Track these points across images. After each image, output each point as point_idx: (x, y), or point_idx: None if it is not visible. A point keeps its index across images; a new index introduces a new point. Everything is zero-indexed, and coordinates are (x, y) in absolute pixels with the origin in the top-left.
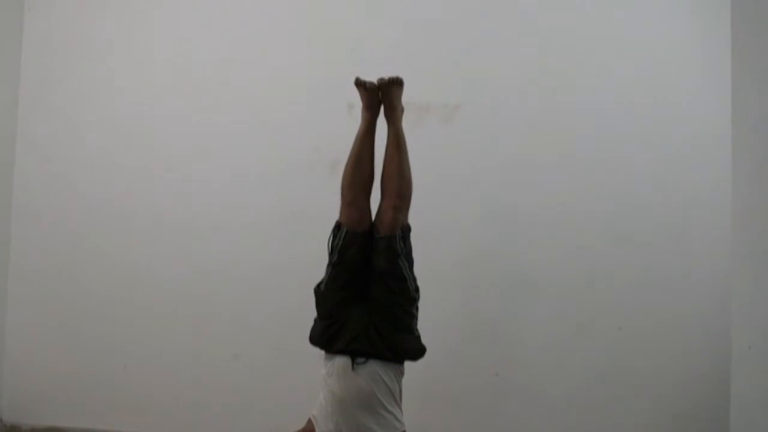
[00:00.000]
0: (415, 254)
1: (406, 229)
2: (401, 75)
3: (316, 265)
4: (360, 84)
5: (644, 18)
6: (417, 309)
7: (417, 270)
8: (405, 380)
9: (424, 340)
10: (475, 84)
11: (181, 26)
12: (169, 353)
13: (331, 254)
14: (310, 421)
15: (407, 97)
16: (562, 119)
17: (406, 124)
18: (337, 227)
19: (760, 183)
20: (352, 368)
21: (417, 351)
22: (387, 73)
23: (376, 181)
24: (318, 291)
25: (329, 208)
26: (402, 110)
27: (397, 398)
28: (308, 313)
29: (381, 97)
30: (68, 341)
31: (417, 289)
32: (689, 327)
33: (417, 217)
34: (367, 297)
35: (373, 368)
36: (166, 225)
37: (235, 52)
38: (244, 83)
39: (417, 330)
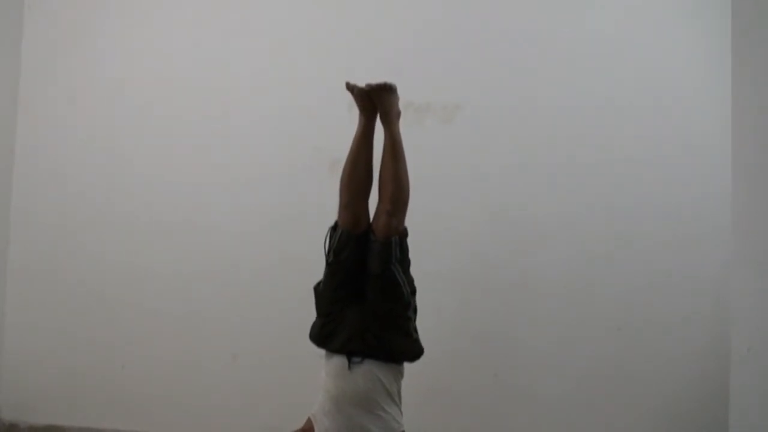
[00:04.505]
0: (413, 255)
1: (403, 234)
2: (398, 76)
3: (316, 265)
4: (349, 88)
5: (645, 19)
6: (414, 311)
7: (415, 271)
8: (404, 380)
9: (423, 340)
10: (476, 84)
11: (181, 26)
12: (168, 353)
13: (327, 254)
14: (309, 420)
15: (408, 96)
16: (562, 120)
17: (406, 124)
18: (334, 228)
19: (760, 183)
20: (349, 368)
21: (413, 353)
22: (387, 75)
23: (375, 183)
24: (317, 289)
25: (329, 208)
26: (398, 114)
27: (395, 398)
28: (307, 313)
29: (374, 101)
30: (67, 340)
31: (413, 292)
32: (688, 328)
33: (415, 217)
34: (364, 298)
35: (370, 368)
36: (165, 225)
37: (235, 51)
38: (244, 83)
39: (415, 332)
